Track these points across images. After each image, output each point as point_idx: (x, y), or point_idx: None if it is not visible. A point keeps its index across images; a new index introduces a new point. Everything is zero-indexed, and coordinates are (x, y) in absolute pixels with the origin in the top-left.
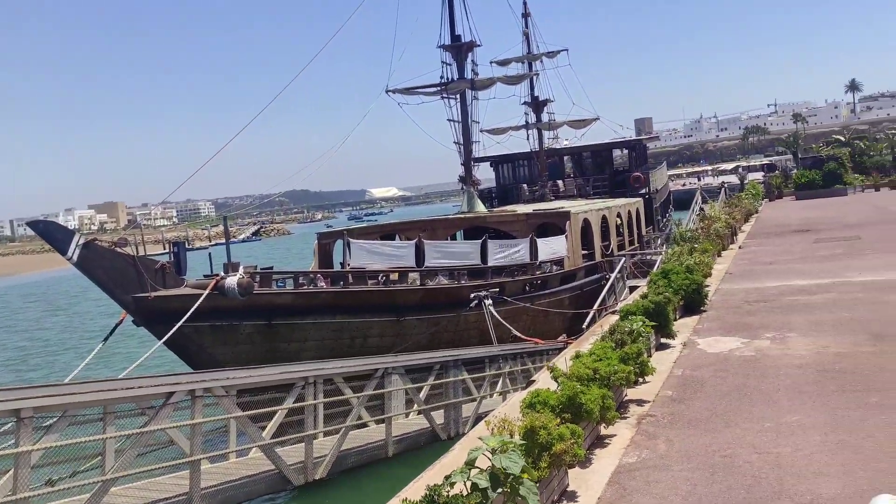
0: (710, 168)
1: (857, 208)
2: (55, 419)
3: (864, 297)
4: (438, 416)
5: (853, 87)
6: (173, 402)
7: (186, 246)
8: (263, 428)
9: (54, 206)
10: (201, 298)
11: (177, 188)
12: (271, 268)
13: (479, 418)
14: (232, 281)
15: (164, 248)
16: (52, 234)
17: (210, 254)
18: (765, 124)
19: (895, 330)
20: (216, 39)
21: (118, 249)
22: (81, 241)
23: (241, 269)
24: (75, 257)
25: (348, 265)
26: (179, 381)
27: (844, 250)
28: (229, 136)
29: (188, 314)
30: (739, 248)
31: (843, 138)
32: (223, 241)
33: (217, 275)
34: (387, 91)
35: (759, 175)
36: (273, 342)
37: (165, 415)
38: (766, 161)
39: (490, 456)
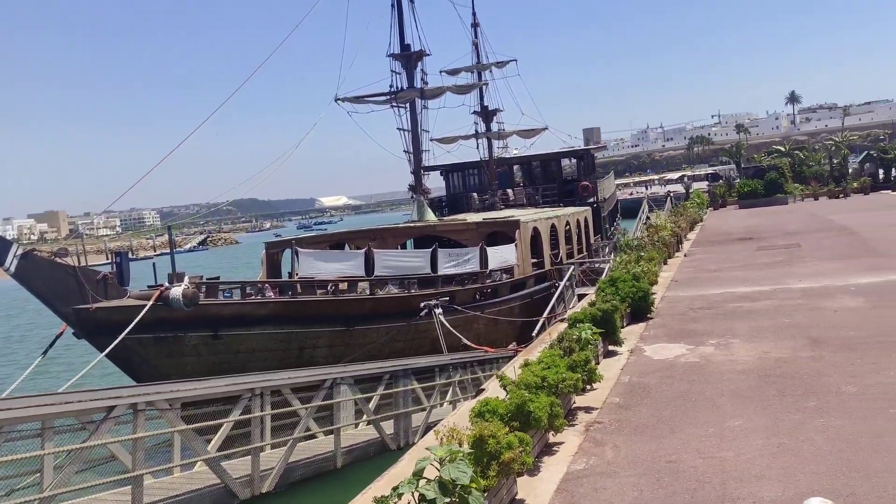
0: (656, 177)
1: (797, 217)
2: None
3: (803, 303)
4: (388, 427)
5: (793, 99)
6: (114, 416)
7: (130, 256)
8: (209, 441)
9: None
10: (145, 309)
11: (120, 196)
12: (218, 278)
13: (429, 428)
14: (177, 291)
15: (107, 259)
16: None
17: (154, 264)
18: (709, 135)
19: (832, 335)
20: (163, 45)
21: (58, 260)
22: (20, 252)
23: (186, 280)
24: (13, 268)
25: (297, 275)
26: (121, 394)
27: (785, 258)
28: (176, 143)
29: (131, 326)
30: (685, 255)
31: (783, 149)
32: (169, 250)
33: (161, 285)
34: (336, 100)
35: (703, 184)
36: (219, 354)
37: (106, 429)
38: (710, 170)
39: (438, 466)
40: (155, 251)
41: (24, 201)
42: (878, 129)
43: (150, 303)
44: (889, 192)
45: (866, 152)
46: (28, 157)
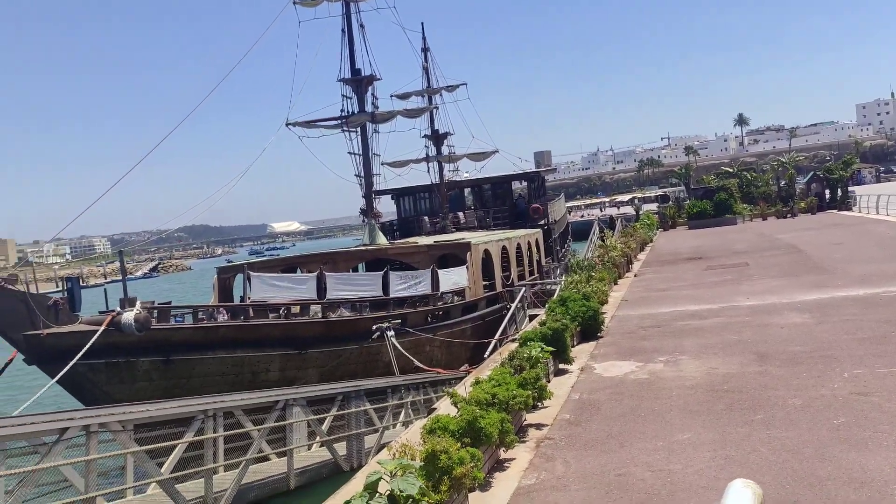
0: (607, 200)
1: (746, 237)
2: None
3: (750, 320)
4: (341, 448)
5: (741, 121)
6: (67, 437)
7: (81, 283)
8: (162, 464)
9: None
10: (96, 335)
11: (69, 223)
12: (169, 303)
13: (381, 448)
14: (129, 316)
15: (57, 287)
16: None
17: (105, 290)
18: (659, 157)
19: (779, 350)
20: (116, 71)
21: (8, 286)
22: None
23: (138, 304)
24: None
25: (249, 299)
26: (73, 416)
27: (733, 277)
28: (126, 170)
29: (83, 351)
30: (635, 276)
31: (731, 170)
32: (119, 277)
33: (113, 310)
34: (287, 124)
35: (653, 206)
36: (172, 378)
37: (59, 452)
38: (660, 192)
39: (388, 479)
40: (105, 278)
41: None
42: (823, 150)
43: (102, 327)
44: (835, 211)
45: (812, 173)
46: None
